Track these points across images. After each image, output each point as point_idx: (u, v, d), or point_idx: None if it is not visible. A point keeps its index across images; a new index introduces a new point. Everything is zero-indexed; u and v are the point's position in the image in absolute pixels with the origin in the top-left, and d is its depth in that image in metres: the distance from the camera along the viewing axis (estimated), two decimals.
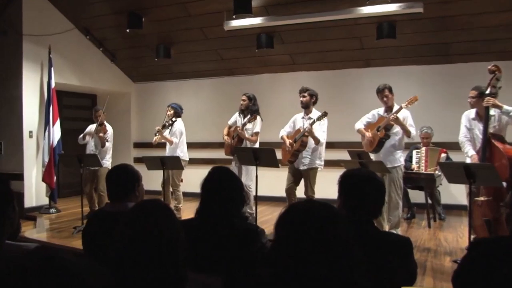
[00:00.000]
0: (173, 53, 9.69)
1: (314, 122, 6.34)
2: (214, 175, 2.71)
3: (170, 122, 7.76)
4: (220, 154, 9.27)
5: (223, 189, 2.63)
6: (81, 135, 8.13)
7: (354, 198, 2.36)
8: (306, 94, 6.62)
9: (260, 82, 9.80)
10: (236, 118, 7.56)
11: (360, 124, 6.37)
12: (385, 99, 6.08)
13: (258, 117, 7.23)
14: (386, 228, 6.08)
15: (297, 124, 6.78)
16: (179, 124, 7.83)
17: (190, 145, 8.28)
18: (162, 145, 8.08)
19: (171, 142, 7.67)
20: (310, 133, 6.34)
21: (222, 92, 10.30)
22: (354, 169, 2.49)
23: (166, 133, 7.77)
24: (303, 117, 6.74)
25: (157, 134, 7.70)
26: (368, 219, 2.36)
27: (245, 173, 7.23)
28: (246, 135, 7.20)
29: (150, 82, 11.16)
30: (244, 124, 7.17)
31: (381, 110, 6.24)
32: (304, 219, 1.52)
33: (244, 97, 7.40)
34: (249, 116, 7.23)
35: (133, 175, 3.01)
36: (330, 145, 7.87)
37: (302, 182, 6.68)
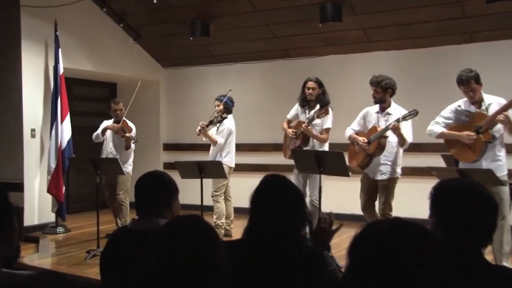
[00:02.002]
0: (213, 30, 9.76)
1: (399, 120, 6.26)
2: (267, 186, 2.72)
3: (220, 118, 7.89)
4: (274, 158, 9.28)
5: (278, 203, 2.63)
6: (99, 131, 8.32)
7: (454, 218, 2.28)
8: (378, 89, 6.56)
9: (324, 66, 9.73)
10: (298, 110, 7.56)
11: (437, 127, 6.12)
12: (471, 93, 5.91)
13: (330, 110, 7.19)
14: (490, 258, 5.92)
15: (369, 121, 6.73)
16: (229, 122, 7.98)
17: (236, 148, 8.36)
18: (203, 147, 8.18)
19: (214, 142, 7.83)
20: (397, 131, 6.27)
21: (276, 79, 10.31)
22: (452, 179, 2.43)
23: (212, 131, 7.93)
24: (378, 112, 6.68)
25: (200, 132, 7.87)
26: (474, 247, 2.26)
27: (310, 182, 7.22)
28: (314, 132, 7.21)
29: (184, 68, 11.30)
30: (312, 119, 7.10)
31: (463, 104, 6.07)
32: (387, 244, 1.51)
33: (311, 83, 7.30)
34: (317, 108, 7.19)
35: (169, 186, 3.06)
36: (417, 148, 7.74)
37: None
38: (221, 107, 7.98)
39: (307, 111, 7.36)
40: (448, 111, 6.15)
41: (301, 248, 2.59)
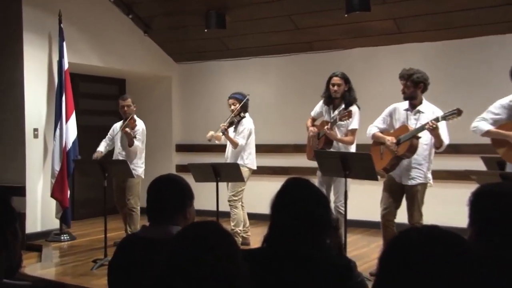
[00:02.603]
0: (229, 21, 9.77)
1: (438, 120, 6.16)
2: (289, 190, 2.71)
3: (239, 117, 7.91)
4: (296, 160, 9.27)
5: (301, 209, 2.62)
6: (105, 142, 8.40)
7: (497, 228, 2.25)
8: (409, 84, 6.46)
9: (350, 60, 9.69)
10: (322, 108, 7.52)
11: (484, 124, 5.93)
12: None
13: (357, 109, 7.14)
14: None
15: (396, 119, 6.63)
16: (248, 121, 8.02)
17: (255, 149, 8.37)
18: (219, 148, 8.19)
19: (235, 145, 7.85)
20: (435, 131, 6.15)
21: (298, 74, 10.30)
22: (494, 184, 2.41)
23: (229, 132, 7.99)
24: (407, 110, 6.60)
25: (223, 134, 7.90)
26: None
27: (335, 187, 7.21)
28: (338, 136, 7.16)
29: (198, 62, 11.33)
30: (335, 121, 7.03)
31: None
32: (421, 254, 1.51)
33: (337, 79, 7.19)
34: (342, 107, 7.14)
35: (183, 191, 3.08)
36: (453, 149, 7.67)
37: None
38: (237, 104, 7.98)
39: (331, 110, 7.32)
40: (497, 106, 5.90)
41: (327, 258, 2.58)
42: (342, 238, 6.62)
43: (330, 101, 7.31)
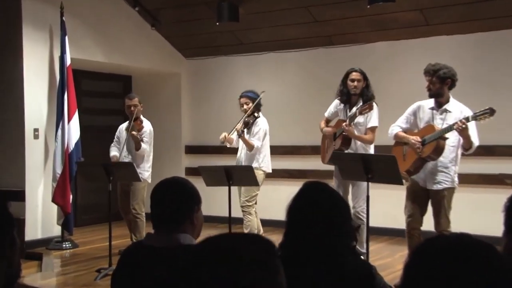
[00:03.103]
0: (243, 13, 9.75)
1: (468, 120, 6.11)
2: (306, 195, 2.71)
3: (253, 117, 7.88)
4: (314, 163, 9.24)
5: (320, 215, 2.62)
6: (115, 146, 8.41)
7: None
8: (435, 80, 6.41)
9: (374, 55, 9.70)
10: (337, 107, 7.53)
11: None
12: None
13: (375, 105, 7.15)
14: None
15: (421, 118, 6.57)
16: (263, 121, 7.99)
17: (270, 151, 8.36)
18: (231, 150, 8.20)
19: (251, 147, 7.81)
20: (465, 132, 6.10)
21: (316, 70, 10.28)
22: None
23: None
24: (433, 108, 6.55)
25: (240, 136, 7.89)
26: None
27: (354, 191, 7.20)
28: (357, 133, 7.18)
29: (209, 58, 11.34)
30: (353, 117, 7.08)
31: None
32: (449, 265, 1.48)
33: (356, 75, 7.26)
34: (360, 104, 7.16)
35: (190, 195, 3.06)
36: (486, 151, 7.64)
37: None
38: (250, 104, 7.94)
39: (347, 109, 7.32)
40: None
41: (347, 264, 2.58)
42: (363, 246, 6.66)
43: (347, 98, 7.33)
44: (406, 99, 8.04)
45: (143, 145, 8.03)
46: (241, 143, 8.07)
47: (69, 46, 8.94)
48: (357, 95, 7.26)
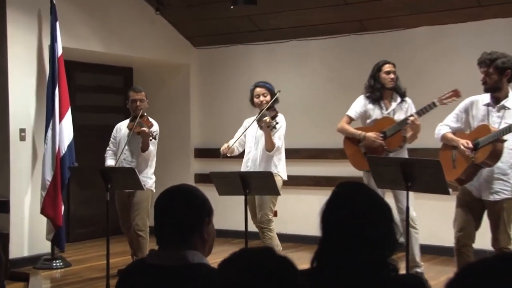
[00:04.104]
0: None
1: None
2: (342, 197, 2.74)
3: (274, 112, 7.67)
4: (343, 169, 9.21)
5: (359, 220, 2.64)
6: (111, 152, 8.36)
7: None
8: (492, 71, 6.36)
9: (414, 42, 9.71)
10: (366, 106, 7.58)
11: None
12: None
13: (410, 101, 7.34)
14: None
15: (474, 116, 6.51)
16: (282, 118, 7.87)
17: (291, 155, 8.37)
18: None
19: (272, 146, 7.60)
20: None
21: (346, 60, 10.30)
22: None
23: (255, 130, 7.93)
24: (488, 105, 6.49)
25: (272, 128, 7.73)
26: None
27: (394, 199, 7.28)
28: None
29: (222, 47, 11.39)
30: (433, 104, 7.19)
31: None
32: None
33: (391, 66, 7.42)
34: (398, 101, 7.26)
35: (200, 205, 3.03)
36: None
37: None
38: (268, 96, 7.82)
39: (384, 106, 7.33)
40: None
41: (393, 278, 2.61)
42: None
43: (380, 94, 7.43)
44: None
45: (151, 146, 7.99)
46: (248, 143, 7.96)
47: (60, 33, 8.94)
48: (391, 89, 7.28)
